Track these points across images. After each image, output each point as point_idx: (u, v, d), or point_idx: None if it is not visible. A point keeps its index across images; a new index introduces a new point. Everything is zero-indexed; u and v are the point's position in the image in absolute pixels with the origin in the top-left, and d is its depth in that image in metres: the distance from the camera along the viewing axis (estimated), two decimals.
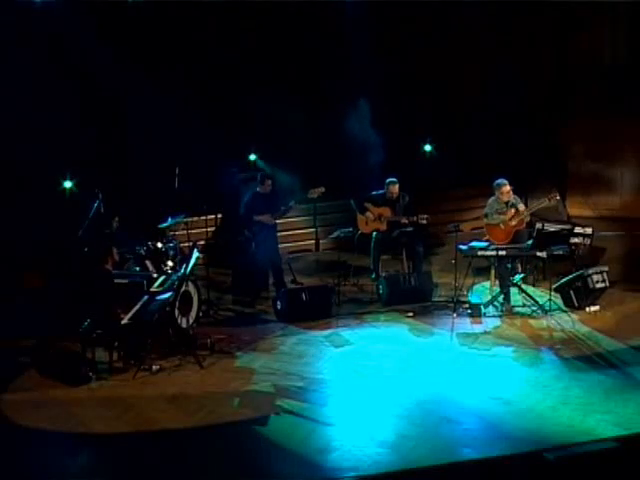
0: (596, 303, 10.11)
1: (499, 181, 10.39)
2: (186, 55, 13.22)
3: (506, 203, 10.29)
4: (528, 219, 10.45)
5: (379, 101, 14.05)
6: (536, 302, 10.05)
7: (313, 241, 13.11)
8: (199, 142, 12.45)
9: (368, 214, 11.11)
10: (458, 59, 15.45)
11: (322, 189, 10.99)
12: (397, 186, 11.09)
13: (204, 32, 13.44)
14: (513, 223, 10.22)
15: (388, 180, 11.13)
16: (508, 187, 10.30)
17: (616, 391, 7.86)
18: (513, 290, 10.26)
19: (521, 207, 10.34)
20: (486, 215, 10.48)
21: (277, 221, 11.04)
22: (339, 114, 13.82)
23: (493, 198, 10.46)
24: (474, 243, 10.27)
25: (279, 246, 11.19)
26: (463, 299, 10.18)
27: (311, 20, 14.39)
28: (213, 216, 12.36)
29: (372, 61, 15.06)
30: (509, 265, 10.37)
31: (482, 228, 11.18)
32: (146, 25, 12.65)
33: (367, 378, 8.26)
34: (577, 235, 11.51)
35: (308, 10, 14.06)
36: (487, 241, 10.35)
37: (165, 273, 9.27)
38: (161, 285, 8.84)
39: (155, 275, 9.21)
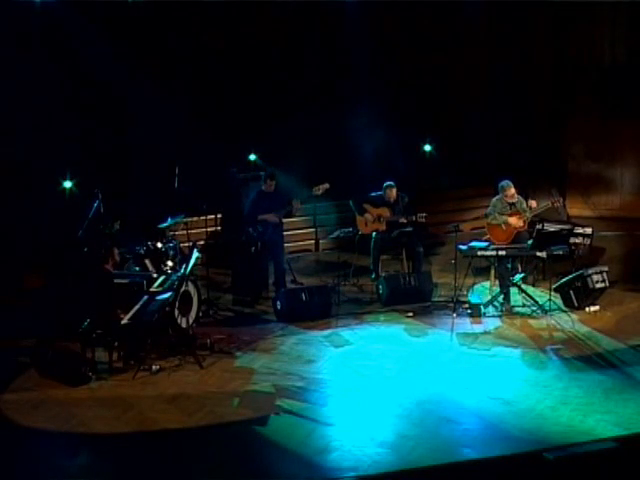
0: (596, 303, 10.12)
1: (504, 183, 10.44)
2: (186, 55, 13.22)
3: (509, 204, 10.33)
4: (528, 220, 10.48)
5: (379, 101, 14.08)
6: (536, 302, 10.05)
7: (313, 241, 13.12)
8: (199, 142, 12.46)
9: (367, 215, 11.12)
10: (458, 59, 15.46)
11: (326, 185, 10.96)
12: (394, 190, 11.10)
13: (204, 32, 13.45)
14: (520, 224, 10.26)
15: (386, 184, 11.15)
16: (513, 190, 10.35)
17: (616, 391, 7.87)
18: (513, 290, 10.26)
19: (532, 203, 10.41)
20: (487, 215, 10.51)
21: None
22: (340, 114, 13.85)
23: (497, 198, 10.49)
24: (474, 243, 10.28)
25: (283, 245, 11.23)
26: (463, 299, 10.19)
27: (311, 20, 14.41)
28: (213, 216, 12.36)
29: (372, 61, 15.08)
30: (509, 265, 10.37)
31: (482, 228, 11.22)
32: (146, 25, 12.66)
33: (367, 378, 8.26)
34: (577, 235, 11.54)
35: (309, 10, 14.07)
36: (487, 241, 10.37)
37: (165, 273, 9.26)
38: (161, 285, 8.84)
39: (155, 275, 9.21)
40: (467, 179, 14.53)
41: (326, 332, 9.55)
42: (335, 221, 12.68)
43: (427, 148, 14.10)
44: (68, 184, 10.78)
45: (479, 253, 10.06)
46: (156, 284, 8.86)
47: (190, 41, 13.23)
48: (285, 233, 11.32)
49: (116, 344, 8.45)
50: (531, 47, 15.20)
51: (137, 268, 9.73)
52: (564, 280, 10.29)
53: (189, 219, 11.29)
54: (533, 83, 15.19)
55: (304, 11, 14.23)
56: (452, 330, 9.45)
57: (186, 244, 10.86)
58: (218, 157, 12.67)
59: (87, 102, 12.07)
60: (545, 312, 9.91)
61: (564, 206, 13.80)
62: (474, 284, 10.64)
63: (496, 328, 9.60)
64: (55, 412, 7.47)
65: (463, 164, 14.20)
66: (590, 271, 10.23)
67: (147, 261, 9.93)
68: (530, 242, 10.14)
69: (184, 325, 8.71)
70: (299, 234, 12.99)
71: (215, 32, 13.52)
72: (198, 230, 11.63)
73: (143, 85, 12.11)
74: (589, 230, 11.67)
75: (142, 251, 9.94)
